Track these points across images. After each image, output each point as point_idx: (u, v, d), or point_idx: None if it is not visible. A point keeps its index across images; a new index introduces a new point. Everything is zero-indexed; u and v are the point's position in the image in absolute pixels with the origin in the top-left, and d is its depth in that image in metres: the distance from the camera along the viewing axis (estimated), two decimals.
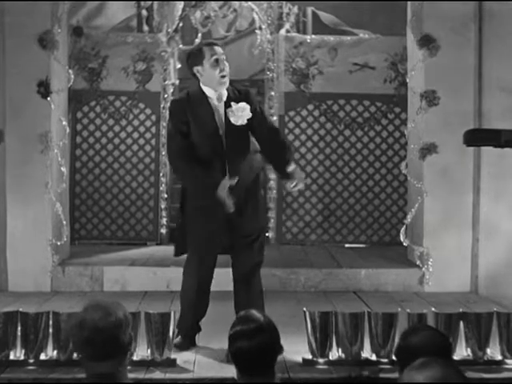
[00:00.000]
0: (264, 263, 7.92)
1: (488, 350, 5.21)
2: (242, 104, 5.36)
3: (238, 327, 3.43)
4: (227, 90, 5.45)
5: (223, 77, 5.38)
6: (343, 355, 5.15)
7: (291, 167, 5.46)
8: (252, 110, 5.42)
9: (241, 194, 5.40)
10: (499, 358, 5.20)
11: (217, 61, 5.38)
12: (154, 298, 7.17)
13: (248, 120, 5.40)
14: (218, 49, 5.45)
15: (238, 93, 5.48)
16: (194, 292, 5.60)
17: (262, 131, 5.52)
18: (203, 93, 5.43)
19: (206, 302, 5.72)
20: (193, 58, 5.46)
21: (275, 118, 9.45)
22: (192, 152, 5.35)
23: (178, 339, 5.48)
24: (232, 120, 5.35)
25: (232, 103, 5.37)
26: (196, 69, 5.44)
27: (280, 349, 3.40)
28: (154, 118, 9.47)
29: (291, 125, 9.53)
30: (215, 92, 5.42)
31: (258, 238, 5.60)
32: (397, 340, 5.10)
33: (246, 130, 5.45)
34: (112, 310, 3.15)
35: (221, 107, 5.42)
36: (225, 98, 5.41)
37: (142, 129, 9.47)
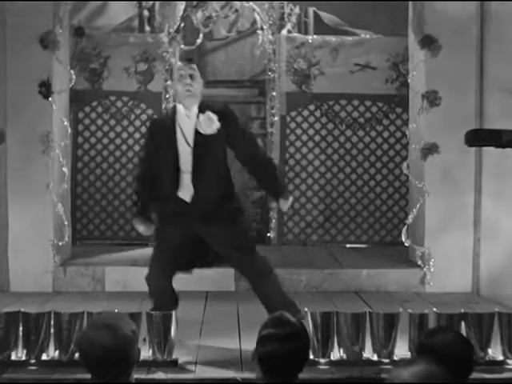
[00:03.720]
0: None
1: (489, 351, 5.21)
2: (208, 113, 5.47)
3: (270, 329, 3.28)
4: (201, 106, 5.55)
5: (187, 91, 5.51)
6: (345, 355, 5.15)
7: (284, 197, 5.64)
8: (230, 127, 5.52)
9: (208, 205, 5.49)
10: (501, 358, 5.20)
11: (181, 75, 5.53)
12: None
13: (220, 133, 5.47)
14: (187, 65, 5.59)
15: (213, 108, 5.57)
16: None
17: (243, 152, 5.65)
18: (175, 109, 5.62)
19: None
20: (170, 76, 5.68)
21: (276, 118, 9.46)
22: (148, 180, 5.66)
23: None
24: (199, 129, 5.46)
25: (200, 114, 5.49)
26: (171, 85, 5.62)
27: (309, 355, 3.33)
28: None
29: (293, 125, 9.53)
30: (184, 108, 5.54)
31: (239, 242, 5.62)
32: (398, 340, 5.14)
33: (219, 144, 5.52)
34: (119, 327, 3.14)
35: (191, 122, 5.52)
36: (195, 113, 5.52)
37: (143, 129, 9.46)
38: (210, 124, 5.46)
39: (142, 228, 5.64)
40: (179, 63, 5.69)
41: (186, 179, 5.52)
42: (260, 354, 3.24)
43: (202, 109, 5.54)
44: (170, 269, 5.70)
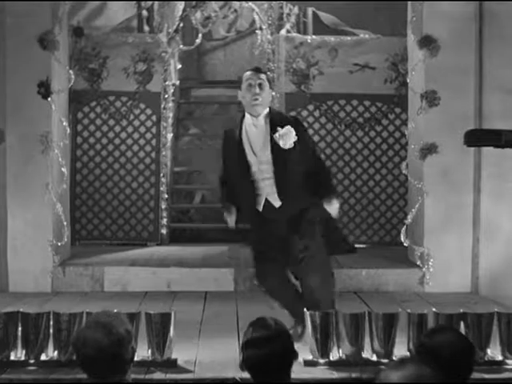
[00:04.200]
0: None
1: (488, 351, 5.20)
2: (287, 127, 5.49)
3: (249, 335, 3.36)
4: (271, 116, 5.59)
5: (255, 100, 5.52)
6: (344, 356, 5.15)
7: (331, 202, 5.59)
8: (301, 142, 5.53)
9: (293, 213, 5.53)
10: (500, 358, 5.19)
11: (250, 85, 5.55)
12: (155, 299, 7.17)
13: (295, 144, 5.50)
14: (256, 74, 5.60)
15: (286, 121, 5.61)
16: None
17: (307, 167, 5.64)
18: (242, 118, 5.64)
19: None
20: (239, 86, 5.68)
21: None
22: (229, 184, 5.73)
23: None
24: (280, 144, 5.48)
25: (278, 128, 5.50)
26: (239, 94, 5.65)
27: (294, 355, 3.35)
28: (154, 118, 9.47)
29: None
30: (251, 116, 5.58)
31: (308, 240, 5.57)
32: (397, 340, 5.14)
33: (295, 156, 5.53)
34: (113, 326, 3.14)
35: (258, 131, 5.56)
36: (263, 122, 5.56)
37: (142, 129, 9.47)
38: (290, 138, 5.47)
39: (229, 219, 5.66)
40: (248, 72, 5.64)
41: (264, 188, 5.56)
42: (244, 361, 3.29)
43: (273, 120, 5.56)
44: (277, 263, 5.66)
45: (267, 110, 5.61)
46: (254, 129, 5.58)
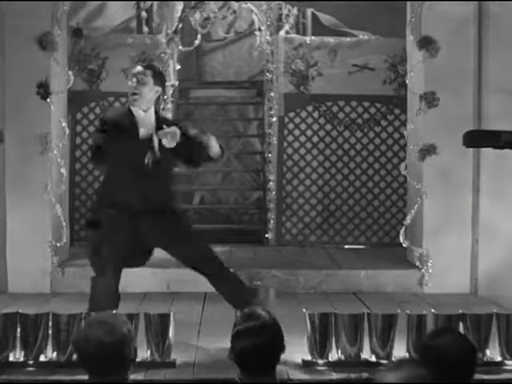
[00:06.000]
0: (263, 264, 7.93)
1: (487, 352, 5.21)
2: (174, 128, 5.60)
3: (241, 325, 3.36)
4: (158, 114, 5.85)
5: (133, 94, 5.71)
6: (343, 356, 5.15)
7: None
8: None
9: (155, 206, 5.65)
10: (499, 359, 5.20)
11: (131, 79, 5.73)
12: (154, 299, 7.17)
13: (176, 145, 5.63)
14: (139, 69, 5.75)
15: (168, 120, 5.92)
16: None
17: (188, 154, 5.81)
18: (130, 110, 5.76)
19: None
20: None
21: (274, 119, 9.47)
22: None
23: None
24: (164, 142, 5.56)
25: (164, 126, 5.62)
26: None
27: (283, 348, 3.36)
28: None
29: (291, 126, 9.53)
30: (141, 111, 5.73)
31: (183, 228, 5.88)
32: (396, 341, 5.14)
33: (172, 155, 5.68)
34: (116, 325, 3.15)
35: (148, 127, 5.68)
36: (152, 121, 5.71)
37: None
38: (174, 139, 5.54)
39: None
40: (133, 67, 5.86)
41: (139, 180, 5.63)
42: (234, 351, 3.29)
43: (160, 118, 5.79)
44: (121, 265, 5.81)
45: (153, 108, 5.79)
46: (141, 121, 5.69)
